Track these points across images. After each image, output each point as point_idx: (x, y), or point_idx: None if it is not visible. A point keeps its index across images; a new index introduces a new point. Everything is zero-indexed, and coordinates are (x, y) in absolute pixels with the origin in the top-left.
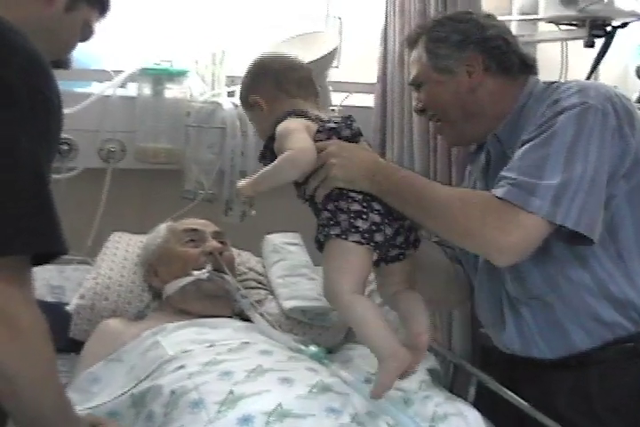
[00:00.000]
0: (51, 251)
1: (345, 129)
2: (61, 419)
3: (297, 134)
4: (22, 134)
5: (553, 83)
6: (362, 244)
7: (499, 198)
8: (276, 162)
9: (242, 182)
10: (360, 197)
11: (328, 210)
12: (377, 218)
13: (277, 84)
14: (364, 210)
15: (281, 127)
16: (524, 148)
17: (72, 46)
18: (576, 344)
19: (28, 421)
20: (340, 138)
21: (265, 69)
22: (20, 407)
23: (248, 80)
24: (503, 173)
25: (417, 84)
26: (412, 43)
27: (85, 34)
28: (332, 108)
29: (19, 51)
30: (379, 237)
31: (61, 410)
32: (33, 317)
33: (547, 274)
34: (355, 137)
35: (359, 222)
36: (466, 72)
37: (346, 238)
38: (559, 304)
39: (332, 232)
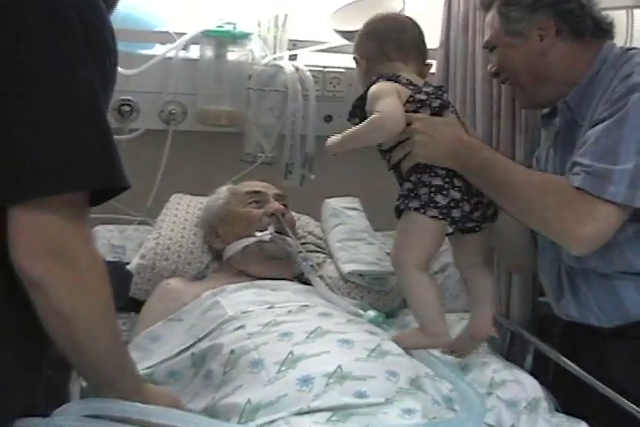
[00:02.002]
0: (111, 187)
1: (435, 100)
2: (116, 364)
3: (387, 98)
4: (79, 67)
5: (630, 49)
6: (439, 219)
7: (575, 188)
8: (363, 124)
9: (330, 139)
10: (443, 172)
11: (410, 181)
12: (457, 195)
13: (378, 46)
14: (446, 186)
15: (372, 89)
16: (596, 129)
17: None
18: (632, 312)
19: (82, 363)
20: (428, 109)
21: (371, 29)
22: (75, 348)
23: (357, 38)
24: (577, 159)
25: (490, 47)
26: (486, 5)
27: None
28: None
29: None
30: (456, 213)
31: (116, 355)
32: (92, 256)
33: (607, 256)
34: (443, 108)
35: (439, 198)
36: (538, 36)
37: (424, 213)
38: (614, 275)
39: (410, 204)
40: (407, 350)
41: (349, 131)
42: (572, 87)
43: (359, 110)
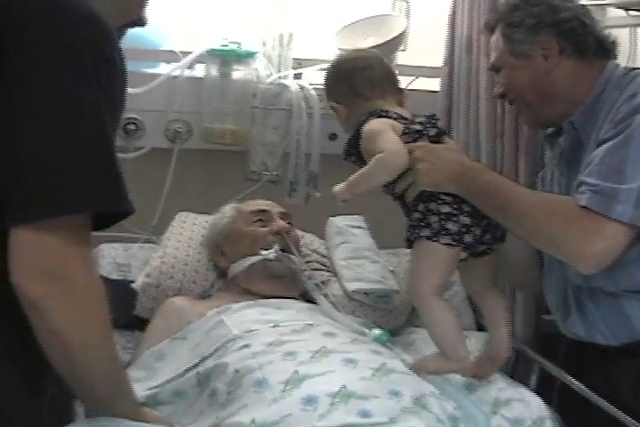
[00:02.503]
0: (113, 210)
1: (431, 129)
2: (112, 387)
3: (386, 135)
4: (85, 89)
5: (633, 69)
6: (452, 246)
7: (581, 207)
8: (370, 165)
9: (337, 187)
10: (450, 199)
11: (419, 211)
12: (467, 220)
13: (351, 89)
14: (455, 212)
15: (367, 128)
16: (602, 149)
17: (142, 5)
18: (638, 330)
19: (78, 385)
20: (426, 138)
21: (338, 74)
22: (71, 370)
23: (326, 85)
24: (583, 178)
25: (496, 69)
26: (490, 28)
27: None
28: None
29: (82, 17)
30: (468, 239)
31: (113, 378)
32: (90, 278)
33: (613, 275)
34: (441, 135)
35: (450, 225)
36: (542, 56)
37: (437, 241)
38: (620, 293)
39: (422, 234)
40: (429, 374)
41: (356, 174)
42: (578, 107)
43: (354, 149)
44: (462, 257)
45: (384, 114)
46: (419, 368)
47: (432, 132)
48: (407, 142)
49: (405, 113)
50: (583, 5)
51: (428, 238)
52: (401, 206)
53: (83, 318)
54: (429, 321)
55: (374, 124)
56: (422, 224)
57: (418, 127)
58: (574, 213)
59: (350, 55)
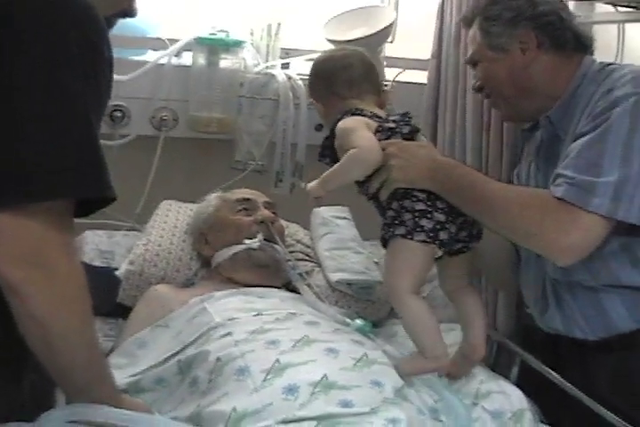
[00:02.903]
0: (95, 197)
1: (404, 126)
2: (91, 373)
3: (359, 132)
4: (69, 77)
5: (609, 64)
6: (427, 243)
7: (557, 199)
8: (342, 161)
9: (311, 184)
10: (424, 195)
11: (393, 209)
12: (442, 217)
13: (328, 88)
14: (429, 209)
15: (340, 126)
16: (579, 143)
17: None
18: (617, 325)
19: (57, 370)
20: (399, 136)
21: (317, 72)
22: (50, 355)
23: (308, 83)
24: (560, 171)
25: (473, 62)
26: (468, 22)
27: None
28: (385, 83)
29: (71, 5)
30: (443, 236)
31: (92, 364)
32: (71, 264)
33: (592, 268)
34: (414, 133)
35: (424, 222)
36: (519, 49)
37: (411, 238)
38: (600, 287)
39: (397, 232)
40: (411, 376)
41: (329, 171)
42: (554, 101)
43: (328, 150)
44: (438, 255)
45: (358, 112)
46: (401, 371)
47: (405, 129)
48: (380, 140)
49: (380, 112)
50: (561, 0)
51: (403, 236)
52: (375, 206)
53: (63, 304)
54: (406, 319)
55: (347, 122)
56: (397, 222)
57: (391, 125)
58: (550, 204)
59: (332, 53)
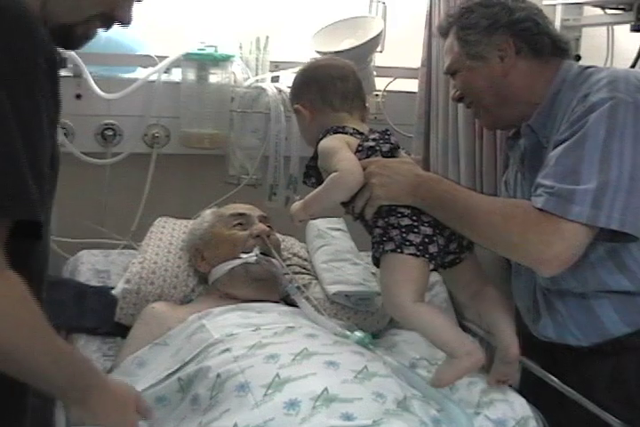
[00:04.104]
0: (18, 218)
1: (384, 145)
2: (68, 370)
3: (341, 153)
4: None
5: (588, 67)
6: (417, 256)
7: (539, 209)
8: (324, 184)
9: (294, 205)
10: (409, 211)
11: (379, 227)
12: (428, 230)
13: (322, 96)
14: (415, 223)
15: (322, 146)
16: (557, 150)
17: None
18: (609, 330)
19: (31, 381)
20: (380, 154)
21: (312, 78)
22: (20, 372)
23: (295, 86)
24: (540, 181)
25: (451, 72)
26: (443, 32)
27: None
28: (375, 93)
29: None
30: (433, 249)
31: (63, 363)
32: (4, 282)
33: (580, 276)
34: (394, 151)
35: (411, 236)
36: (498, 57)
37: (401, 252)
38: (589, 294)
39: (387, 248)
40: (446, 384)
41: (311, 194)
42: (534, 108)
43: (313, 171)
44: (430, 268)
45: (340, 130)
46: (439, 385)
47: (385, 147)
48: (360, 159)
49: (364, 128)
50: (536, 6)
51: (393, 251)
52: (363, 226)
53: (5, 324)
54: (421, 327)
55: (329, 142)
56: (385, 239)
57: (371, 144)
58: (531, 216)
59: (326, 62)
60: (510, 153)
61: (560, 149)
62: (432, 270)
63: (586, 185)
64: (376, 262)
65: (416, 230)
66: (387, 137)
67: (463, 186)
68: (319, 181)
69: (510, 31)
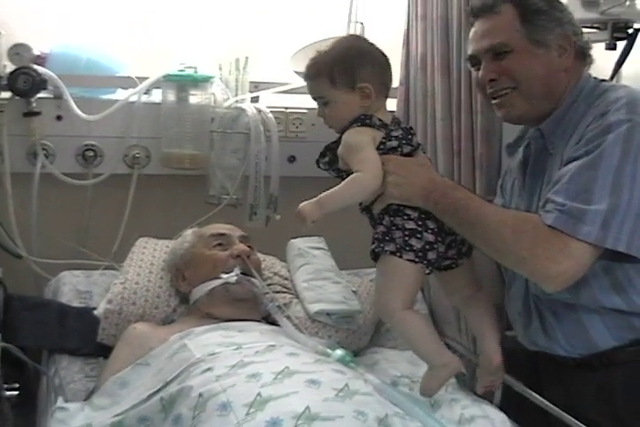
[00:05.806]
0: None
1: (405, 146)
2: None
3: (365, 152)
4: None
5: (602, 81)
6: (415, 262)
7: (548, 226)
8: (345, 184)
9: (304, 205)
10: (416, 214)
11: (384, 224)
12: (431, 237)
13: (382, 78)
14: (419, 229)
15: (349, 139)
16: (571, 167)
17: None
18: (597, 343)
19: None
20: (400, 154)
21: (372, 59)
22: None
23: (354, 62)
24: (551, 196)
25: (500, 51)
26: (488, 9)
27: None
28: None
29: None
30: (431, 256)
31: None
32: None
33: (574, 289)
34: (414, 152)
35: (413, 241)
36: (557, 50)
37: (400, 256)
38: (580, 306)
39: (386, 248)
40: (435, 393)
41: (327, 193)
42: (552, 110)
43: (330, 152)
44: (426, 272)
45: (368, 121)
46: (429, 394)
47: (406, 149)
48: (380, 155)
49: (387, 117)
50: None
51: (392, 253)
52: (368, 218)
53: None
54: (404, 334)
55: (356, 137)
56: (387, 238)
57: (394, 144)
58: (541, 232)
59: (368, 42)
60: (510, 159)
61: (574, 166)
62: (427, 274)
63: (597, 206)
64: (374, 257)
65: (419, 236)
66: (409, 137)
67: (477, 195)
68: (330, 162)
69: (573, 29)
